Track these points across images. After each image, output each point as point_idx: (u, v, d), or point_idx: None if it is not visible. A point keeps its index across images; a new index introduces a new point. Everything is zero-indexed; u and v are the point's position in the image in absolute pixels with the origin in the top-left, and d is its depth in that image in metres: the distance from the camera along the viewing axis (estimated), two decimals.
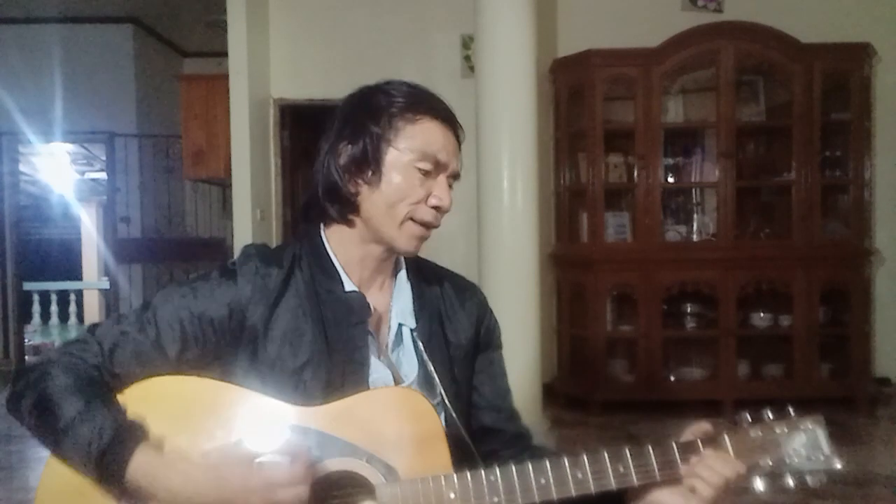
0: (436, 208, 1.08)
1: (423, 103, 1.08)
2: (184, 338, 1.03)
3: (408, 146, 1.06)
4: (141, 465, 0.92)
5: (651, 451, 0.98)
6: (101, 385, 0.99)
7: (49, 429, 0.95)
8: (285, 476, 0.90)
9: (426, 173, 1.07)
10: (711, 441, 1.00)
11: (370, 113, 1.07)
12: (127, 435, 0.93)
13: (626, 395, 4.35)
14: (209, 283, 1.06)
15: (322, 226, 1.14)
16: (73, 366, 0.99)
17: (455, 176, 1.11)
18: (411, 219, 1.08)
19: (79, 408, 0.94)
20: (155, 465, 0.92)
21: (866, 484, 3.09)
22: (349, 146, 1.08)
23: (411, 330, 1.14)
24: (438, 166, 1.07)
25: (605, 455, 0.97)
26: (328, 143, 1.11)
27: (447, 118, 1.09)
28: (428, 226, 1.09)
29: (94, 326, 1.05)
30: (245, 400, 1.01)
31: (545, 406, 4.12)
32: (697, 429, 1.02)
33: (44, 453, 0.99)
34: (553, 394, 4.47)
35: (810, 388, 4.20)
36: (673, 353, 4.43)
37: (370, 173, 1.07)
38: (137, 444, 0.93)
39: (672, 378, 4.39)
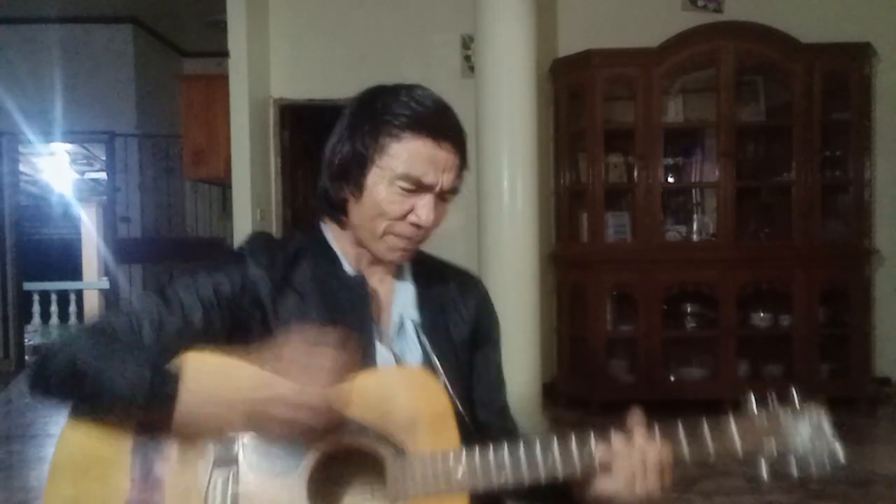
0: (415, 225, 1.07)
1: (416, 121, 1.05)
2: (205, 311, 1.04)
3: (391, 164, 1.05)
4: (191, 395, 0.94)
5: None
6: (128, 343, 1.01)
7: (88, 391, 0.96)
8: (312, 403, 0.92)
9: (409, 192, 1.06)
10: (646, 428, 0.99)
11: (364, 124, 1.07)
12: (172, 369, 0.95)
13: (626, 395, 4.35)
14: (220, 262, 1.10)
15: (322, 220, 1.17)
16: (100, 335, 1.00)
17: (451, 192, 1.09)
18: (391, 233, 1.08)
19: (117, 361, 0.95)
20: (206, 391, 0.94)
21: (866, 484, 3.09)
22: (339, 154, 1.08)
23: (414, 323, 1.16)
24: (422, 186, 1.06)
25: (613, 433, 0.99)
26: (328, 144, 1.12)
27: (443, 135, 1.06)
28: (409, 240, 1.09)
29: (109, 314, 1.07)
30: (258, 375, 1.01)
31: (545, 406, 4.11)
32: (632, 418, 1.01)
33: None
34: (553, 394, 4.47)
35: (810, 388, 4.18)
36: (673, 353, 4.43)
37: (353, 185, 1.07)
38: (180, 377, 0.94)
39: (672, 378, 4.39)
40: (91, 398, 0.97)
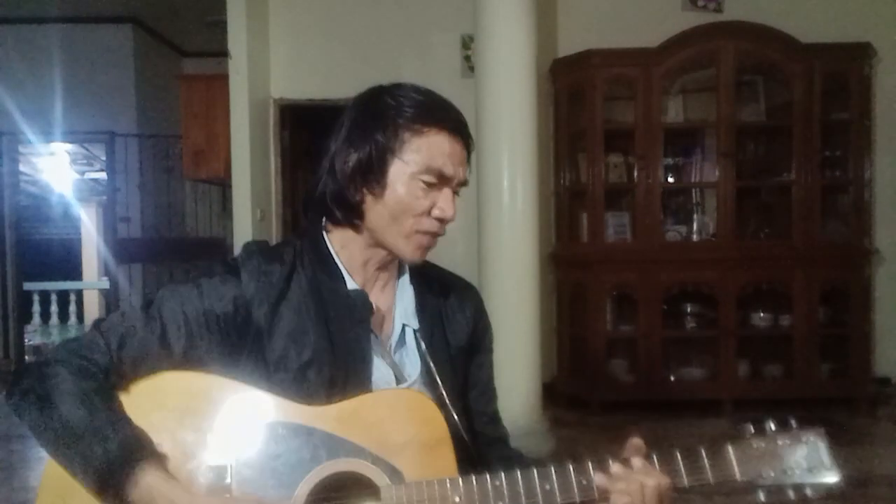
0: (439, 220, 1.07)
1: (431, 114, 1.06)
2: (189, 334, 1.03)
3: (412, 159, 1.04)
4: (143, 489, 0.93)
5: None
6: (109, 391, 0.99)
7: (52, 434, 0.95)
8: None
9: (430, 185, 1.05)
10: (644, 456, 0.99)
11: (377, 121, 1.06)
12: (133, 455, 0.93)
13: (626, 395, 4.35)
14: (213, 279, 1.06)
15: (324, 224, 1.14)
16: (82, 368, 0.99)
17: (463, 185, 1.10)
18: (418, 230, 1.07)
19: (85, 417, 0.94)
20: (157, 492, 0.93)
21: (866, 484, 3.09)
22: (355, 153, 1.06)
23: (414, 331, 1.15)
24: (443, 179, 1.06)
25: (610, 461, 0.98)
26: (335, 146, 1.09)
27: (455, 128, 1.07)
28: (433, 235, 1.09)
29: (99, 322, 1.05)
30: (253, 399, 1.01)
31: (545, 406, 4.10)
32: (630, 446, 1.01)
33: (44, 453, 0.99)
34: (553, 394, 4.46)
35: (810, 388, 4.20)
36: (673, 353, 4.43)
37: (374, 183, 1.06)
38: (142, 466, 0.93)
39: (672, 378, 4.38)
40: (51, 443, 0.96)
